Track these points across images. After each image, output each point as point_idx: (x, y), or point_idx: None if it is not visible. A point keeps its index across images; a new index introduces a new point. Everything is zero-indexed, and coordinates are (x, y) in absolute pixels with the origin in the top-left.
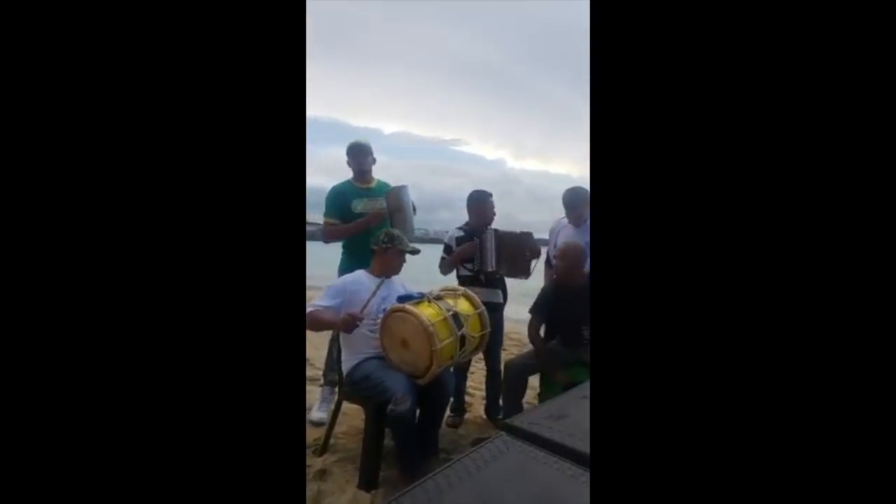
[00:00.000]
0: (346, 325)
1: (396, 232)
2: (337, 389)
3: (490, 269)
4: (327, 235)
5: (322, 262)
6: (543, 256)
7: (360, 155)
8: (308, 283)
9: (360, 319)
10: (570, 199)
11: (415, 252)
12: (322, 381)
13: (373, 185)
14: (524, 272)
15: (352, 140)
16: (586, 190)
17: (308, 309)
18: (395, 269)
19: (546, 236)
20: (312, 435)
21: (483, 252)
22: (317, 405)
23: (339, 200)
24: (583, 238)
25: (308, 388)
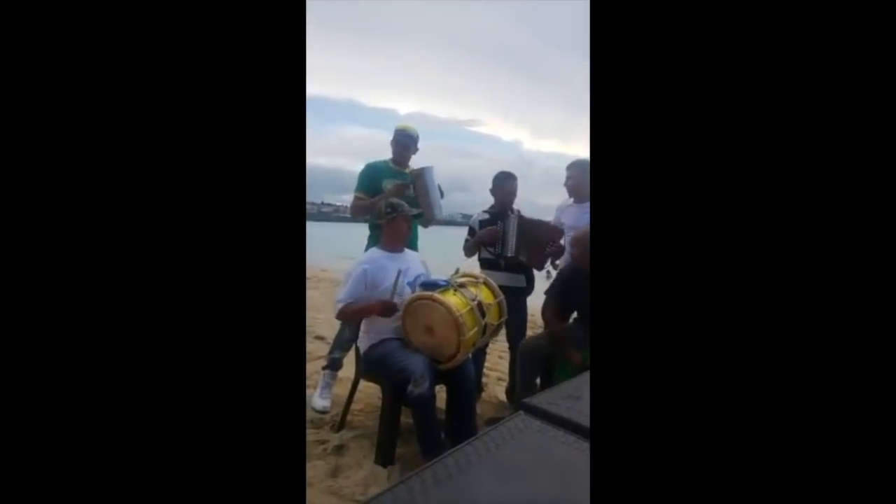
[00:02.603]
0: (384, 310)
1: (395, 200)
2: (338, 374)
3: (509, 255)
4: (354, 210)
5: (335, 243)
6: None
7: (404, 143)
8: (322, 265)
9: (396, 309)
10: (577, 171)
11: (418, 216)
12: (325, 363)
13: (407, 170)
14: (538, 264)
15: (366, 119)
16: (587, 163)
17: (338, 305)
18: (405, 237)
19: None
20: (329, 412)
21: (504, 237)
22: (318, 392)
23: (372, 177)
24: (587, 215)
25: (321, 364)
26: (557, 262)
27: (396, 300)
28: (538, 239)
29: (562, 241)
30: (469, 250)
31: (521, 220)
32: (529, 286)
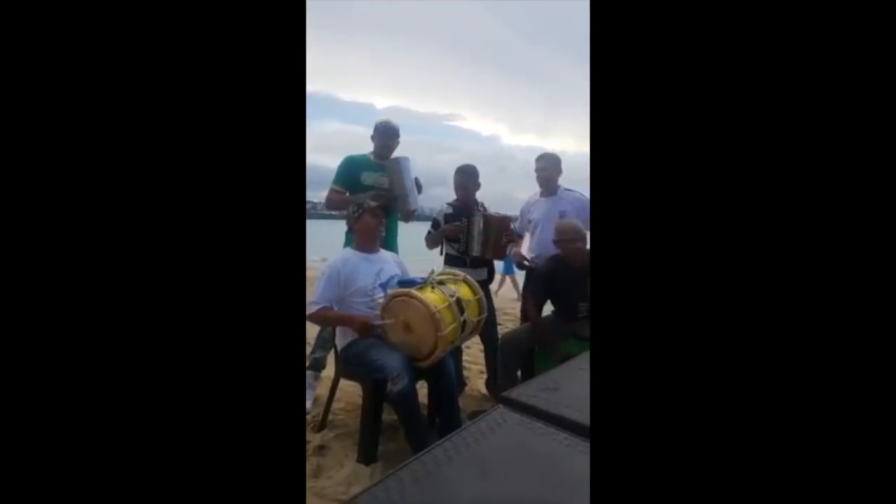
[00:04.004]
0: (362, 328)
1: (360, 200)
2: (321, 374)
3: (475, 254)
4: (329, 202)
5: (318, 241)
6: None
7: (386, 135)
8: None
9: (374, 328)
10: (548, 163)
11: (388, 212)
12: (307, 363)
13: (387, 162)
14: (501, 256)
15: (343, 114)
16: (556, 155)
17: (312, 307)
18: (376, 233)
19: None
20: (310, 412)
21: (469, 235)
22: None
23: (350, 170)
24: (556, 208)
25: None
26: (514, 250)
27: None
28: (498, 234)
29: (513, 226)
30: (432, 242)
31: (486, 218)
32: (490, 277)
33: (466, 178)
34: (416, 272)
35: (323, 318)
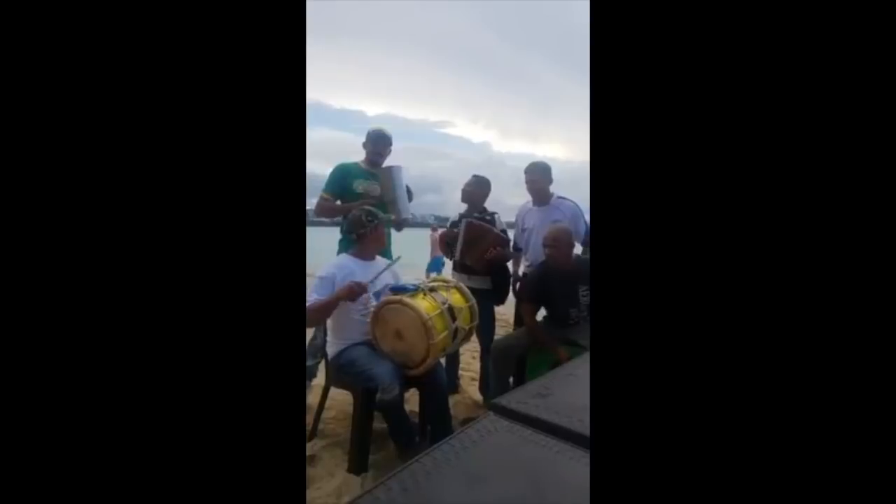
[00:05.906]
0: (350, 293)
1: (370, 208)
2: (311, 383)
3: (456, 259)
4: (319, 210)
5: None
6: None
7: (379, 143)
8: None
9: (365, 289)
10: (537, 174)
11: (389, 220)
12: None
13: (379, 171)
14: (481, 269)
15: (333, 121)
16: (546, 164)
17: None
18: (383, 245)
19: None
20: None
21: (455, 241)
22: None
23: (342, 178)
24: (549, 217)
25: None
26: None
27: (371, 289)
28: (481, 246)
29: (499, 248)
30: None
31: (469, 225)
32: (497, 289)
33: (473, 186)
34: (406, 279)
35: (314, 312)
